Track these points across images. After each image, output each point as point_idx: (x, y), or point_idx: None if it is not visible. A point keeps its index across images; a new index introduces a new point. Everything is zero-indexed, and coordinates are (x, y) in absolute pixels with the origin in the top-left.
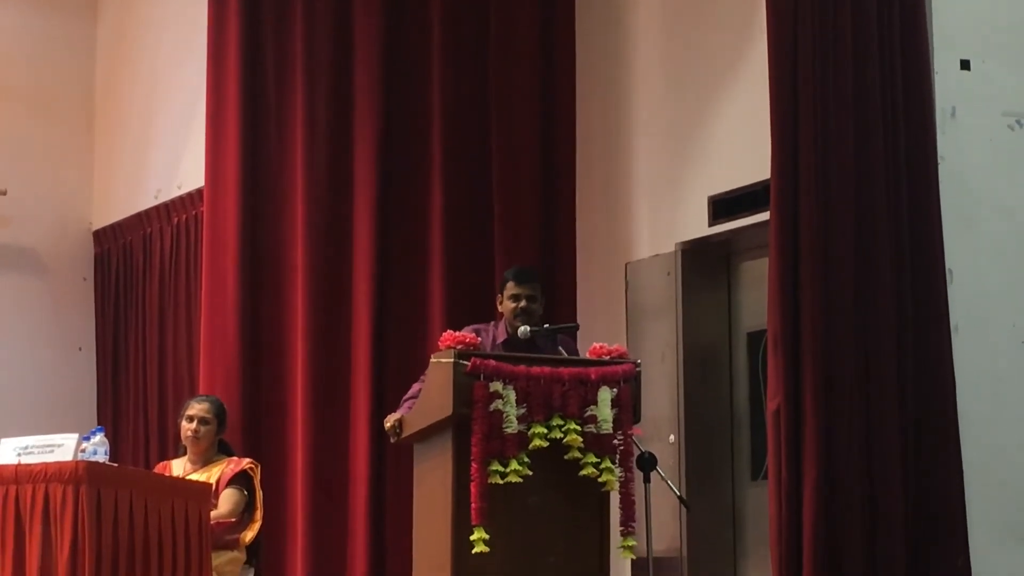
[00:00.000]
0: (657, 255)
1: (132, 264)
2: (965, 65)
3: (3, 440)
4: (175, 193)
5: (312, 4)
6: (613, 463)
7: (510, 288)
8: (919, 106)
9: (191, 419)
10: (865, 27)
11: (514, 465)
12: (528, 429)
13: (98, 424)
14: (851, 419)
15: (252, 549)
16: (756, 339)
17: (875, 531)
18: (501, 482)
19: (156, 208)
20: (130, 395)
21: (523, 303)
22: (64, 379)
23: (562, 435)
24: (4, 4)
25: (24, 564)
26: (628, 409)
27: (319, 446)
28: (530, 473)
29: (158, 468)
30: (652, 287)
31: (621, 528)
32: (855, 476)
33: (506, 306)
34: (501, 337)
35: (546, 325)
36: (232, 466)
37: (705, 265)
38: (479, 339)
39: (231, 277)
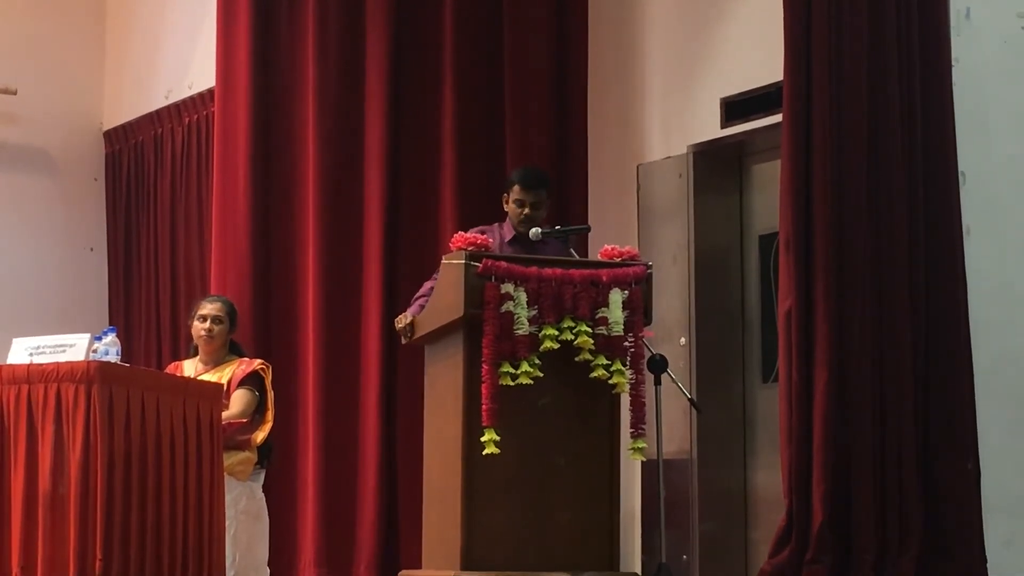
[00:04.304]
0: (669, 157)
1: (143, 164)
2: None
3: (15, 340)
4: (186, 93)
5: None
6: (624, 365)
7: (515, 192)
8: (933, 7)
9: (204, 319)
10: None
11: (525, 367)
12: (539, 331)
13: (110, 324)
14: (862, 322)
15: (263, 450)
16: (768, 241)
17: (885, 434)
18: (512, 383)
19: (167, 108)
20: (141, 296)
21: (527, 210)
22: (75, 280)
23: (573, 337)
24: None
25: (36, 463)
26: (639, 311)
27: (330, 346)
28: (541, 375)
29: (169, 368)
30: (664, 189)
31: (631, 430)
32: (865, 379)
33: (511, 208)
34: (508, 235)
35: (557, 227)
36: (243, 367)
37: (717, 167)
38: (490, 240)
39: (242, 177)
